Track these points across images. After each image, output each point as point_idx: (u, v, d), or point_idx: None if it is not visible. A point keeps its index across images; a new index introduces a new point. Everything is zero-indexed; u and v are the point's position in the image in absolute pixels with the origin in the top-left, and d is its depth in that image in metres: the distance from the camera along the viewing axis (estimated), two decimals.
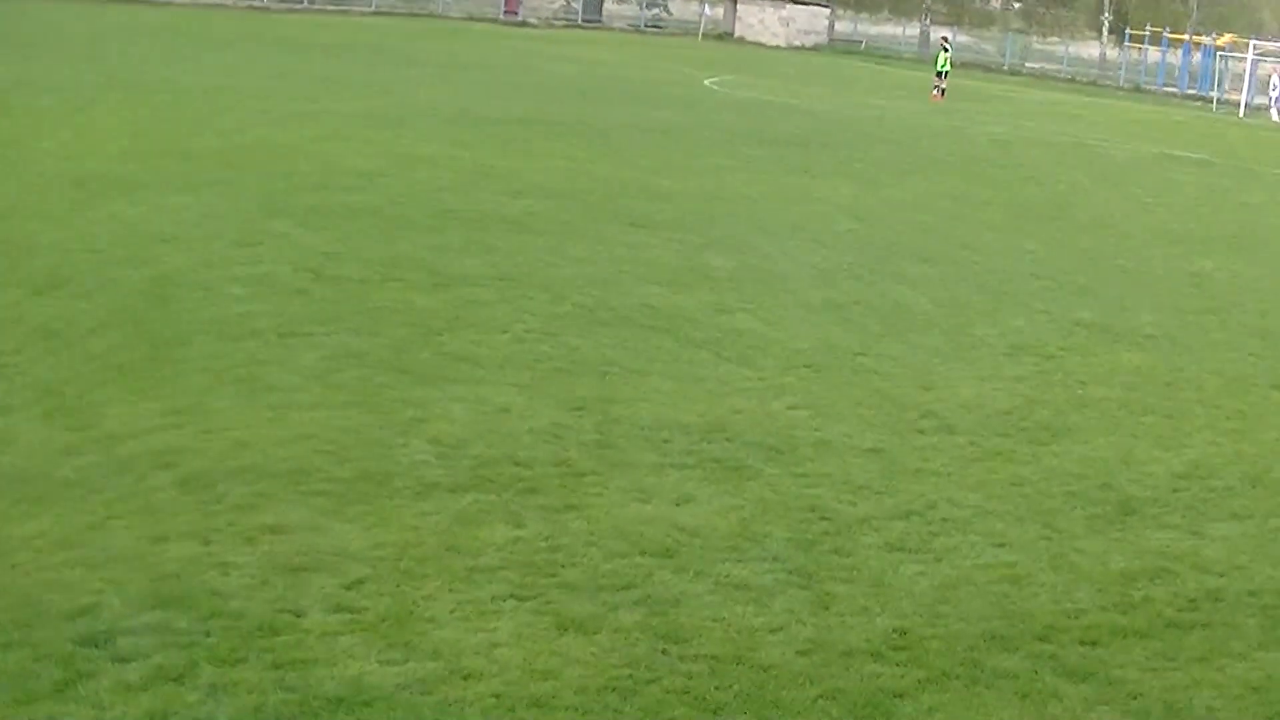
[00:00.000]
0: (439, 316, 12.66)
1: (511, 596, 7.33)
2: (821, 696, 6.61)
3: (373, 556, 7.65)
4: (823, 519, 8.78)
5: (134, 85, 27.97)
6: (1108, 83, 65.84)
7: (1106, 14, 73.89)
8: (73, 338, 11.32)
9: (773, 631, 7.20)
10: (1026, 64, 70.14)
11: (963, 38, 71.42)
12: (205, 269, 13.67)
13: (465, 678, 6.48)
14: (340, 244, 15.09)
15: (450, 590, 7.34)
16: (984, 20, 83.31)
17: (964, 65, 60.24)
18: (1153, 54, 66.06)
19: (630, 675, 6.63)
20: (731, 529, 8.48)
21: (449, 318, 12.66)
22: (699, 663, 6.81)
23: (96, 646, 6.50)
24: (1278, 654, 7.53)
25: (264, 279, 13.41)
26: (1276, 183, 31.62)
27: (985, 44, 76.68)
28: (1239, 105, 55.72)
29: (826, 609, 7.52)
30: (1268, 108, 54.52)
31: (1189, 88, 62.09)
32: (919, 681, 6.83)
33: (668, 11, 76.37)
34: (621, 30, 70.25)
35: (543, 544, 8.01)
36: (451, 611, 7.11)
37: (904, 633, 7.32)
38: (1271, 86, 54.96)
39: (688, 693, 6.53)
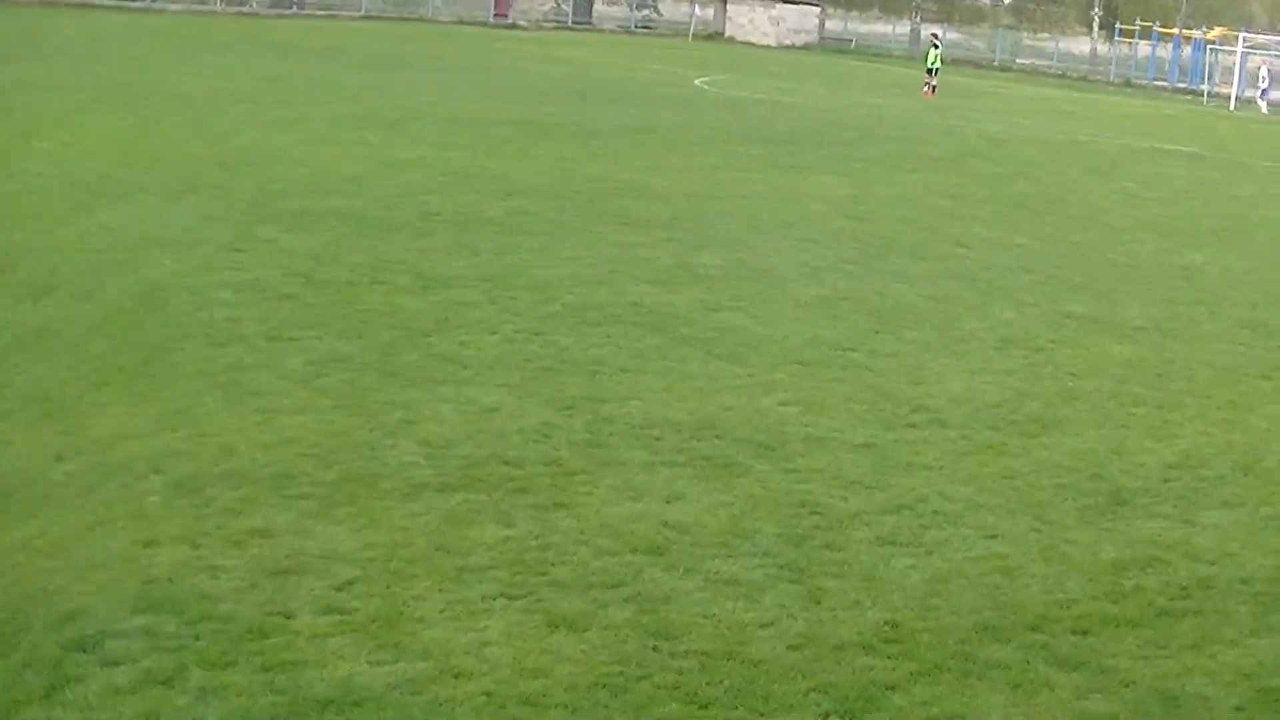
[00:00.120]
0: (427, 318, 12.64)
1: (501, 595, 7.32)
2: (813, 690, 6.60)
3: (362, 558, 7.64)
4: (813, 514, 8.77)
5: (129, 89, 27.95)
6: (1098, 78, 65.94)
7: (1096, 9, 73.96)
8: (64, 343, 11.32)
9: (763, 626, 7.19)
10: (1017, 60, 70.22)
11: (953, 34, 71.49)
12: (195, 274, 13.67)
13: (456, 677, 6.48)
14: (328, 248, 15.07)
15: (440, 590, 7.33)
16: (974, 17, 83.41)
17: (954, 62, 60.24)
18: (1143, 48, 66.17)
19: (621, 672, 6.62)
20: (722, 525, 8.47)
21: (437, 319, 12.64)
22: (689, 659, 6.80)
23: (85, 651, 6.50)
24: (1269, 641, 7.54)
25: (253, 284, 13.40)
26: (1267, 175, 31.65)
27: (975, 40, 76.79)
28: (1229, 98, 55.78)
29: (817, 603, 7.51)
30: (1257, 100, 54.58)
31: (1179, 82, 62.21)
32: (911, 674, 6.83)
33: (658, 12, 76.31)
34: (612, 31, 70.25)
35: (533, 543, 8.01)
36: (441, 611, 7.10)
37: (895, 625, 7.32)
38: (1261, 79, 55.04)
39: (678, 689, 6.52)
